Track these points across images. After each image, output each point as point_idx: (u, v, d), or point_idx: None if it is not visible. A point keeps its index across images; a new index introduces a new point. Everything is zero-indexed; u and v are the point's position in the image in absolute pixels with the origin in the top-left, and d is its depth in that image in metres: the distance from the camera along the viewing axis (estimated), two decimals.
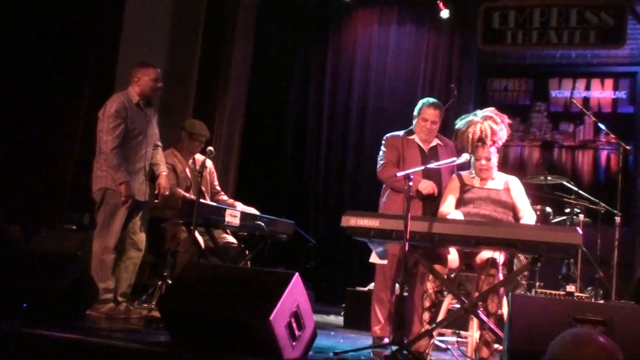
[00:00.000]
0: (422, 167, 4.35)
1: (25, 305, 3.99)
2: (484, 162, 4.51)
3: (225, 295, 3.57)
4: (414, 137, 4.91)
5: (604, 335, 1.82)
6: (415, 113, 4.94)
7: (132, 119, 4.97)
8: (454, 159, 4.44)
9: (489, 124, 4.51)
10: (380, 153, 4.94)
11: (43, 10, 7.45)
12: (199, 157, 5.53)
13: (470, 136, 4.50)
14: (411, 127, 4.96)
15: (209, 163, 5.61)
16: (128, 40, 7.63)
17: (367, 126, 8.21)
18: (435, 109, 4.88)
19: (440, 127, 5.05)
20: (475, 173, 4.58)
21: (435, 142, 4.94)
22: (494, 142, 4.51)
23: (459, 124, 4.65)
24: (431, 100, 4.96)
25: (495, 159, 4.55)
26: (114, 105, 4.93)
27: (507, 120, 4.62)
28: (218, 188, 5.66)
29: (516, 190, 4.56)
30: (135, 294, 5.59)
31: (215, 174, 5.70)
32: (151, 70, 5.08)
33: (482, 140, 4.49)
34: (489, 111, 4.62)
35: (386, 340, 4.48)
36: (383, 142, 4.97)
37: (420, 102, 4.97)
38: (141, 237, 5.08)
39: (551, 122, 8.09)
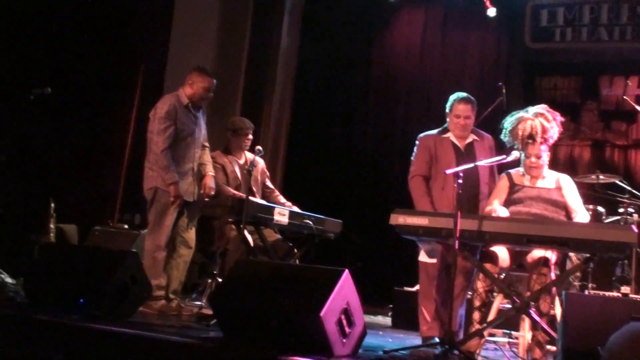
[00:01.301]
0: (472, 165, 4.30)
1: (82, 300, 4.10)
2: (534, 159, 4.41)
3: (276, 292, 3.61)
4: (449, 134, 4.79)
5: None
6: (447, 110, 4.81)
7: (182, 120, 5.05)
8: (504, 156, 4.34)
9: (540, 120, 4.41)
10: (413, 155, 4.85)
11: (97, 15, 7.64)
12: (249, 155, 5.58)
13: (520, 133, 4.40)
14: (445, 125, 4.84)
15: (261, 163, 5.68)
16: (176, 44, 7.78)
17: (414, 126, 8.13)
18: (467, 104, 4.73)
19: (487, 125, 4.99)
20: (525, 171, 4.48)
21: (472, 138, 4.80)
22: (544, 139, 4.41)
23: (509, 120, 4.54)
24: (461, 95, 4.80)
25: (546, 157, 4.46)
26: (165, 107, 5.02)
27: (559, 117, 4.50)
28: (272, 187, 5.71)
29: (568, 189, 4.47)
30: (184, 293, 5.69)
31: (267, 174, 5.76)
32: (207, 79, 5.15)
33: (532, 137, 4.38)
34: (541, 108, 4.51)
35: (435, 339, 4.46)
36: (416, 142, 4.87)
37: (451, 98, 4.81)
38: (191, 235, 5.17)
39: (602, 121, 7.90)
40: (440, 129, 4.85)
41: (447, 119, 4.81)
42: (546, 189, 4.44)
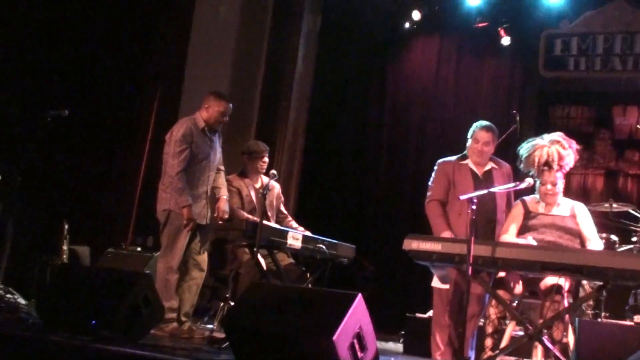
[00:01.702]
0: (485, 191, 4.31)
1: (94, 322, 4.11)
2: (549, 187, 4.43)
3: (289, 315, 3.60)
4: (467, 161, 4.85)
5: None
6: (468, 136, 4.90)
7: (197, 144, 5.10)
8: (518, 183, 4.35)
9: (557, 148, 4.44)
10: (431, 180, 4.89)
11: (113, 38, 7.74)
12: (266, 179, 5.62)
13: (537, 160, 4.44)
14: (465, 152, 4.90)
15: (277, 188, 5.72)
16: (193, 69, 7.86)
17: (426, 153, 8.20)
18: (488, 132, 4.81)
19: (500, 153, 5.01)
20: (540, 198, 4.50)
21: (490, 165, 4.85)
22: (560, 167, 4.43)
23: (525, 147, 4.58)
24: (484, 123, 4.89)
25: (561, 184, 4.47)
26: (181, 130, 5.07)
27: (575, 145, 4.53)
28: (285, 212, 5.74)
29: (583, 217, 4.47)
30: (196, 317, 5.69)
31: (282, 199, 5.79)
32: (223, 104, 5.20)
33: (548, 164, 4.42)
34: (557, 135, 4.55)
35: None
36: (435, 167, 4.92)
37: (474, 125, 4.91)
38: (203, 258, 5.18)
39: (615, 150, 7.90)
40: (459, 155, 4.91)
41: (467, 145, 4.88)
42: (561, 216, 4.44)
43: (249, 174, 5.57)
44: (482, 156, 4.79)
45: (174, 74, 7.92)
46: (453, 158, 4.90)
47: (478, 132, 4.82)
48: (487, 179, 4.76)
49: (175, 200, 5.00)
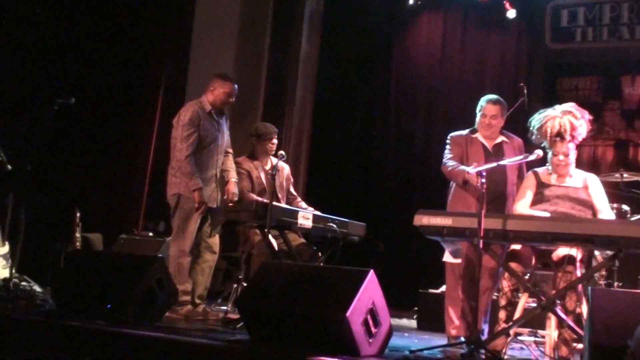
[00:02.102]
0: (495, 164, 4.30)
1: (109, 306, 4.15)
2: (561, 157, 4.39)
3: (302, 294, 3.63)
4: (477, 135, 4.83)
5: None
6: (477, 110, 4.87)
7: (205, 127, 5.10)
8: (527, 155, 4.33)
9: (569, 118, 4.39)
10: (445, 151, 4.87)
11: (117, 25, 7.75)
12: (274, 160, 5.63)
13: (549, 130, 4.40)
14: (475, 126, 4.88)
15: (287, 169, 5.73)
16: (197, 53, 7.86)
17: (434, 129, 8.18)
18: (495, 104, 4.77)
19: (509, 126, 4.99)
20: (553, 169, 4.46)
21: (500, 139, 4.83)
22: (572, 137, 4.38)
23: (536, 118, 4.54)
24: (491, 96, 4.86)
25: (573, 155, 4.43)
26: (188, 114, 5.07)
27: (587, 115, 4.48)
28: (295, 194, 5.76)
29: (595, 189, 4.43)
30: (209, 299, 5.73)
31: (291, 181, 5.80)
32: (228, 85, 5.20)
33: (560, 135, 4.38)
34: (569, 106, 4.50)
35: (462, 339, 4.45)
36: (447, 140, 4.91)
37: (481, 99, 4.87)
38: (215, 240, 5.21)
39: (625, 120, 7.85)
40: (470, 129, 4.89)
41: (477, 119, 4.86)
42: (573, 187, 4.42)
43: (258, 156, 5.57)
44: (490, 129, 4.77)
45: (178, 59, 7.93)
46: (464, 132, 4.88)
47: (485, 105, 4.79)
48: (497, 153, 4.74)
49: (185, 184, 5.01)
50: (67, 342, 3.81)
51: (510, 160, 4.45)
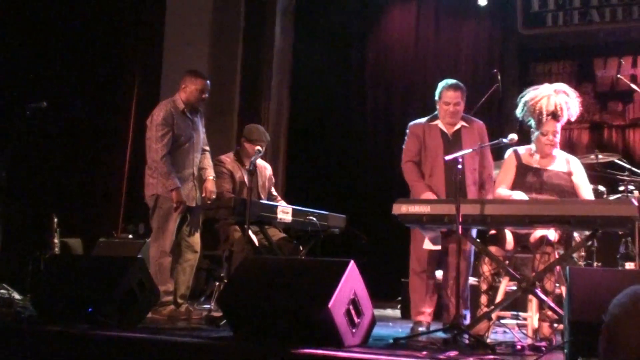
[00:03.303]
0: (470, 150, 4.30)
1: (90, 309, 4.12)
2: (551, 137, 4.31)
3: (283, 287, 3.63)
4: (437, 122, 4.73)
5: None
6: (436, 97, 4.75)
7: (179, 126, 5.07)
8: (500, 139, 4.28)
9: (564, 97, 4.34)
10: (404, 144, 4.82)
11: (89, 27, 7.68)
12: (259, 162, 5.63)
13: (544, 109, 4.29)
14: (435, 113, 4.78)
15: (269, 170, 5.72)
16: (170, 51, 7.81)
17: (411, 117, 8.09)
18: (456, 91, 4.64)
19: (483, 112, 4.99)
20: (538, 149, 4.39)
21: (460, 124, 4.72)
22: (564, 117, 4.33)
23: (528, 95, 4.43)
24: (450, 81, 4.72)
25: (559, 136, 4.39)
26: (161, 114, 5.04)
27: (578, 97, 4.44)
28: (276, 194, 5.75)
29: (579, 177, 4.39)
30: (193, 299, 5.71)
31: (273, 181, 5.79)
32: (199, 81, 5.16)
33: (555, 114, 4.29)
34: (561, 86, 4.43)
35: (424, 326, 4.49)
36: (407, 130, 4.85)
37: (440, 85, 4.73)
38: (195, 239, 5.19)
39: (599, 103, 7.91)
40: (429, 116, 4.81)
41: (437, 106, 4.76)
42: (558, 174, 4.37)
43: (243, 157, 5.51)
44: (455, 116, 4.68)
45: (151, 58, 7.87)
46: (423, 120, 4.80)
47: (446, 92, 4.66)
48: (456, 140, 4.67)
49: (162, 184, 4.98)
50: (49, 348, 3.78)
51: (485, 145, 4.45)
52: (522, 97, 4.50)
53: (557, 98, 4.33)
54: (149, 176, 5.09)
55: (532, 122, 4.42)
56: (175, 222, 5.03)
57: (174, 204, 4.96)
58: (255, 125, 5.78)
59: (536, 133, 4.40)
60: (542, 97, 4.35)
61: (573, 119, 4.44)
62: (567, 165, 4.43)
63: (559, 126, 4.36)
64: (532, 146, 4.45)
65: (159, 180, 5.00)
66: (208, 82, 5.22)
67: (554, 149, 4.40)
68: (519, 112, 4.50)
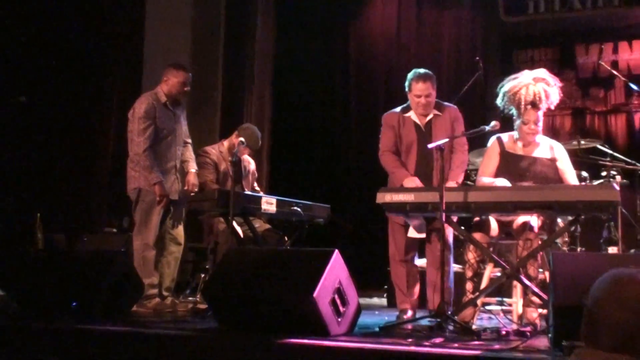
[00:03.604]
0: (460, 135, 4.30)
1: (74, 304, 4.10)
2: (532, 126, 4.31)
3: (268, 277, 3.62)
4: (410, 113, 4.67)
5: None
6: (406, 89, 4.67)
7: (161, 119, 5.04)
8: (482, 127, 4.24)
9: (543, 86, 4.31)
10: (380, 135, 4.78)
11: (69, 19, 7.60)
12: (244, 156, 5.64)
13: (523, 98, 4.29)
14: (408, 103, 4.72)
15: (252, 165, 5.74)
16: (151, 46, 7.75)
17: (394, 106, 8.18)
18: (425, 82, 4.54)
19: (466, 100, 4.97)
20: (521, 137, 4.40)
21: (433, 113, 4.65)
22: (544, 105, 4.31)
23: (507, 84, 4.42)
24: (418, 72, 4.60)
25: (541, 122, 4.38)
26: (143, 107, 5.00)
27: (558, 83, 4.42)
28: (258, 189, 5.74)
29: (564, 163, 4.41)
30: (179, 291, 5.70)
31: (256, 176, 5.79)
32: (181, 74, 5.13)
33: (534, 103, 4.29)
34: (541, 72, 4.41)
35: (410, 313, 4.51)
36: (382, 121, 4.81)
37: (409, 77, 4.63)
38: (179, 232, 5.17)
39: (581, 89, 7.95)
40: (403, 106, 4.74)
41: (408, 97, 4.69)
42: (542, 160, 4.37)
43: (230, 150, 5.46)
44: (427, 108, 4.62)
45: (133, 52, 7.80)
46: (398, 110, 4.75)
47: (415, 85, 4.57)
48: (429, 130, 4.63)
49: (144, 177, 4.95)
50: (33, 344, 3.75)
51: (468, 133, 4.45)
52: (501, 86, 4.49)
53: (536, 87, 4.32)
54: (131, 169, 5.05)
55: (514, 111, 4.42)
56: (159, 215, 5.00)
57: (157, 197, 4.94)
58: (254, 128, 5.66)
59: (518, 121, 4.40)
60: (521, 87, 4.34)
61: (553, 106, 4.43)
62: (551, 152, 4.43)
63: (540, 114, 4.35)
64: (515, 133, 4.46)
65: (141, 173, 4.97)
66: (190, 74, 5.19)
67: (537, 136, 4.41)
68: (499, 102, 4.49)
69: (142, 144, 4.94)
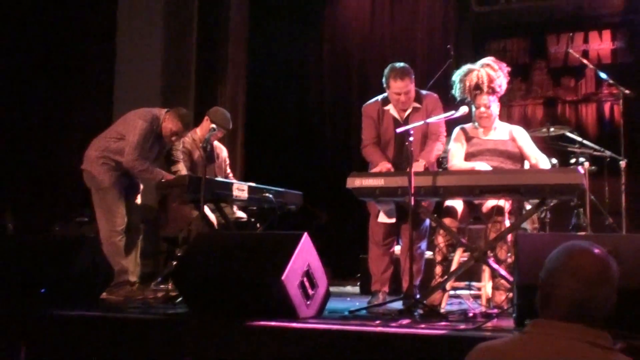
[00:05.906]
0: (422, 122, 4.33)
1: (43, 290, 4.07)
2: (482, 109, 4.46)
3: (237, 261, 3.63)
4: (390, 107, 4.67)
5: (599, 248, 1.84)
6: (384, 84, 4.65)
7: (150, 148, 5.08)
8: (452, 112, 4.30)
9: (487, 70, 4.46)
10: (362, 127, 4.78)
11: (42, 26, 7.55)
12: (216, 143, 5.63)
13: (468, 84, 4.46)
14: (387, 94, 4.69)
15: (224, 152, 5.73)
16: (124, 31, 7.69)
17: (369, 94, 8.12)
18: (403, 79, 4.49)
19: (438, 88, 5.01)
20: (479, 123, 4.54)
21: (412, 106, 4.64)
22: (491, 89, 4.44)
23: (457, 73, 4.59)
24: (395, 69, 4.54)
25: (495, 107, 4.51)
26: (145, 127, 5.02)
27: (505, 67, 4.54)
28: (231, 175, 5.74)
29: (522, 139, 4.54)
30: (149, 279, 5.70)
31: (228, 163, 5.78)
32: (179, 125, 5.10)
33: (479, 87, 4.44)
34: (488, 59, 4.57)
35: (381, 297, 4.55)
36: (362, 112, 4.81)
37: (386, 73, 4.58)
38: (135, 218, 5.18)
39: (552, 79, 8.04)
40: (384, 96, 4.73)
41: (387, 92, 4.67)
42: (501, 140, 4.52)
43: (202, 134, 5.45)
44: (406, 105, 4.61)
45: (104, 46, 7.73)
46: (378, 99, 4.75)
47: (393, 82, 4.53)
48: (407, 123, 4.55)
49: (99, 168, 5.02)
50: (2, 329, 3.73)
51: (437, 118, 4.47)
52: (454, 78, 4.63)
53: (480, 72, 4.47)
54: (94, 150, 5.06)
55: (469, 99, 4.54)
56: (120, 200, 4.99)
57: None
58: (223, 110, 5.67)
59: (473, 109, 4.53)
60: (466, 74, 4.50)
61: (501, 90, 4.52)
62: (510, 134, 4.58)
63: (492, 99, 4.48)
64: (474, 122, 4.60)
65: (100, 164, 5.01)
66: (187, 131, 5.23)
67: (491, 120, 4.53)
68: (455, 92, 4.62)
69: (135, 157, 4.98)
